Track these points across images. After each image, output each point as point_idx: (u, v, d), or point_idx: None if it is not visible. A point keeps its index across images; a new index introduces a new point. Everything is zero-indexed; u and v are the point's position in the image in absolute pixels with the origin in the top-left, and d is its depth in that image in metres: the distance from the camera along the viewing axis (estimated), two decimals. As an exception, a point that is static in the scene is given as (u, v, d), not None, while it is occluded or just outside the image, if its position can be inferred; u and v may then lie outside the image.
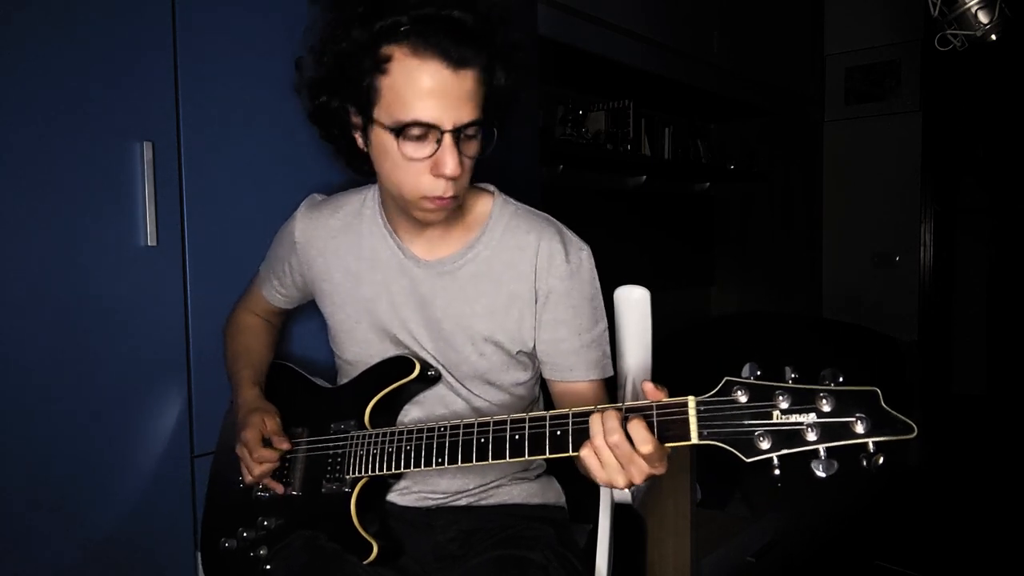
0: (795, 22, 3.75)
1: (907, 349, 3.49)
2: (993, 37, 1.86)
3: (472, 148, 0.93)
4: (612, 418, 0.79)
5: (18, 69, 1.05)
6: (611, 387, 1.12)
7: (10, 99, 1.05)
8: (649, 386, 0.80)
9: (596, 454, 0.80)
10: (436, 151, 0.90)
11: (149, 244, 1.18)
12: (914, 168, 3.73)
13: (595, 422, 0.80)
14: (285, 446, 1.05)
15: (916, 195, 3.74)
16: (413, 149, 0.91)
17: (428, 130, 0.89)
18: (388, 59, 0.88)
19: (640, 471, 0.79)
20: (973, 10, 1.84)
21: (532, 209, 1.10)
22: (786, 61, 3.66)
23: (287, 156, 1.35)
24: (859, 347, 3.22)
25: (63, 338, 1.11)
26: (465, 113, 0.89)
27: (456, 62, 0.87)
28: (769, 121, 3.80)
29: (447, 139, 0.89)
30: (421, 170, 0.92)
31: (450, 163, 0.90)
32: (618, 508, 1.21)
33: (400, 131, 0.89)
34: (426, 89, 0.88)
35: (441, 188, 0.93)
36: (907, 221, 3.76)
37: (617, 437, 0.78)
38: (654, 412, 0.79)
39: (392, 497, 1.11)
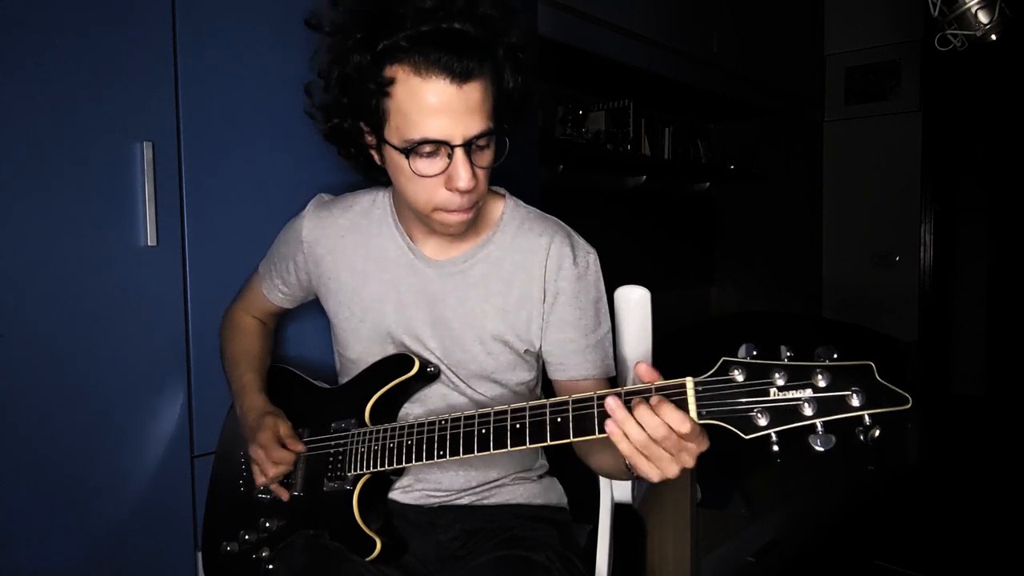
0: (795, 22, 3.76)
1: (907, 349, 3.49)
2: (993, 37, 1.87)
3: (485, 158, 0.93)
4: (646, 412, 0.76)
5: (18, 69, 1.05)
6: (612, 386, 1.12)
7: (10, 99, 1.05)
8: (643, 367, 0.80)
9: (641, 452, 0.77)
10: (448, 166, 0.90)
11: (149, 244, 1.18)
12: (914, 168, 3.73)
13: (629, 423, 0.76)
14: (299, 448, 1.05)
15: (916, 195, 3.74)
16: (425, 166, 0.91)
17: (439, 146, 0.89)
18: (391, 81, 0.88)
19: (691, 454, 0.77)
20: (973, 10, 1.84)
21: (542, 212, 1.11)
22: (786, 61, 3.66)
23: (287, 156, 1.35)
24: (859, 347, 3.21)
25: (63, 338, 1.11)
26: (474, 125, 0.89)
27: (460, 76, 0.86)
28: (769, 121, 3.80)
29: (458, 153, 0.89)
30: (435, 185, 0.92)
31: (463, 176, 0.90)
32: (618, 508, 1.21)
33: (410, 150, 0.90)
34: (432, 107, 0.87)
35: (457, 201, 0.93)
36: (907, 221, 3.76)
37: (663, 431, 0.75)
38: (652, 394, 0.79)
39: (395, 495, 1.11)
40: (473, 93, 0.88)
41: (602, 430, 0.80)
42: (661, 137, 3.24)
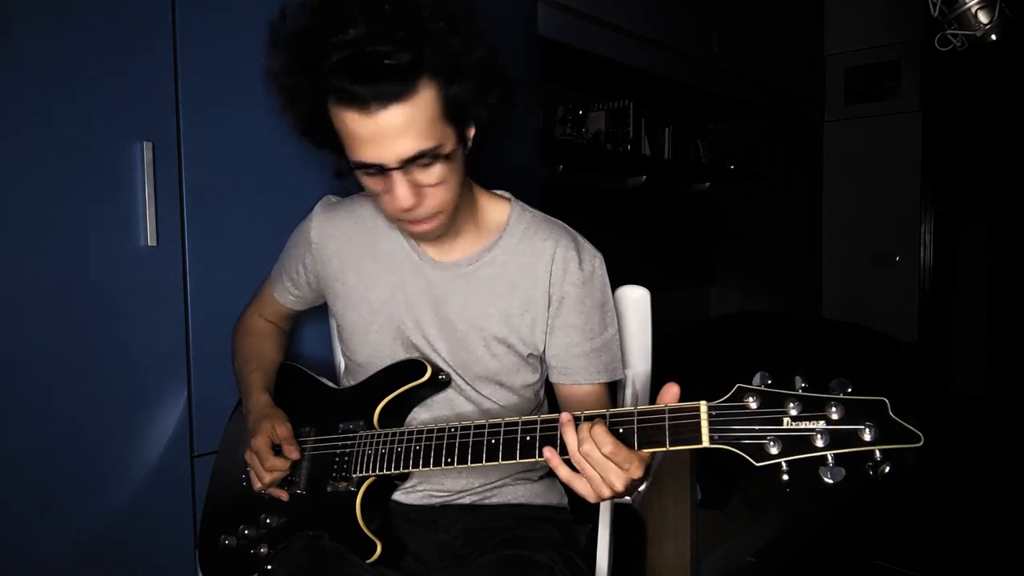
0: (795, 22, 3.75)
1: (907, 349, 3.49)
2: (993, 37, 1.87)
3: (432, 175, 0.90)
4: (583, 429, 0.81)
5: (18, 69, 1.05)
6: (613, 388, 1.12)
7: (10, 99, 1.05)
8: (672, 392, 0.81)
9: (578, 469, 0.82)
10: (389, 184, 0.90)
11: (149, 244, 1.18)
12: (914, 168, 3.73)
13: (570, 439, 0.82)
14: (295, 456, 1.04)
15: (916, 195, 3.74)
16: (372, 184, 0.92)
17: (378, 168, 0.89)
18: (327, 106, 0.88)
19: (618, 476, 0.80)
20: (973, 10, 1.84)
21: (548, 216, 1.11)
22: (786, 61, 3.66)
23: (287, 156, 1.35)
24: (859, 347, 3.22)
25: (63, 338, 1.11)
26: (406, 147, 0.86)
27: (377, 103, 0.83)
28: (769, 121, 3.80)
29: (395, 175, 0.89)
30: (387, 200, 0.93)
31: (400, 196, 0.89)
32: (618, 508, 1.22)
33: (356, 169, 0.90)
34: (357, 135, 0.86)
35: (409, 215, 0.93)
36: (907, 221, 3.76)
37: (587, 446, 0.80)
38: (666, 416, 0.79)
39: (396, 496, 1.11)
40: (396, 117, 0.84)
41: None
42: (661, 137, 3.23)
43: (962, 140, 4.19)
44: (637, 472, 0.81)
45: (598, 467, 0.80)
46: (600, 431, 0.80)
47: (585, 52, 2.37)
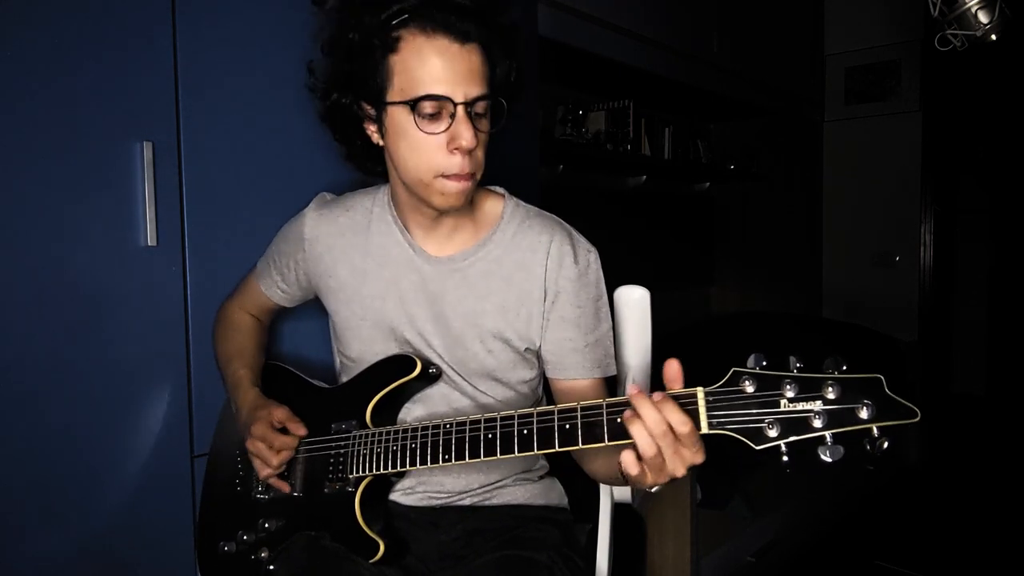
0: (795, 22, 3.75)
1: (907, 349, 3.49)
2: (993, 37, 1.86)
3: (484, 125, 0.96)
4: (649, 408, 0.77)
5: (17, 69, 1.05)
6: (611, 386, 1.12)
7: (10, 99, 1.05)
8: (675, 367, 0.79)
9: (643, 457, 0.78)
10: (451, 125, 0.93)
11: (149, 244, 1.18)
12: (914, 168, 3.73)
13: (639, 430, 0.77)
14: (302, 431, 1.04)
15: (916, 195, 3.74)
16: (429, 126, 0.93)
17: (441, 105, 0.92)
18: (398, 40, 0.92)
19: (683, 460, 0.77)
20: (973, 10, 1.84)
21: (542, 211, 1.11)
22: (786, 61, 3.66)
23: (287, 156, 1.35)
24: (859, 347, 3.22)
25: (63, 338, 1.11)
26: (474, 87, 0.92)
27: (462, 36, 0.91)
28: (769, 121, 3.80)
29: (460, 111, 0.92)
30: (437, 147, 0.94)
31: (466, 135, 0.92)
32: (618, 508, 1.22)
33: (415, 105, 0.92)
34: (436, 64, 0.91)
35: (458, 164, 0.94)
36: (907, 221, 3.76)
37: (664, 427, 0.76)
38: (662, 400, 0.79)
39: (397, 497, 1.11)
40: (472, 55, 0.92)
41: (611, 438, 0.82)
42: (661, 137, 3.23)
43: (962, 140, 4.19)
44: (701, 456, 0.78)
45: (669, 451, 0.77)
46: (673, 409, 0.76)
47: (585, 52, 2.38)
